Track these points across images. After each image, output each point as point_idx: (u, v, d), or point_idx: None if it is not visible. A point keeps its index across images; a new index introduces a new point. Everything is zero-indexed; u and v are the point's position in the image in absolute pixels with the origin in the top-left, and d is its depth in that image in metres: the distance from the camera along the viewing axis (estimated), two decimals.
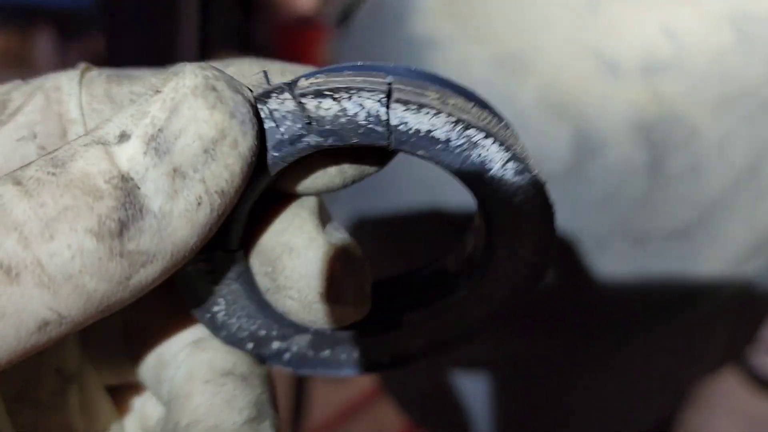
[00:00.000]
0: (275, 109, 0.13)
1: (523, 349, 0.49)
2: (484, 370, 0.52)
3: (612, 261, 0.42)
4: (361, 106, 0.13)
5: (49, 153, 0.12)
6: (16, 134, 0.15)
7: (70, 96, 0.15)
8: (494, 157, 0.14)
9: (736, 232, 0.45)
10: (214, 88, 0.12)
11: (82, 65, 0.16)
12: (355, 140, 0.14)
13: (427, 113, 0.14)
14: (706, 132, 0.41)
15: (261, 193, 0.15)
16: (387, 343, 0.18)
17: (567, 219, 0.40)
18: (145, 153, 0.12)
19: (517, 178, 0.15)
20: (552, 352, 0.49)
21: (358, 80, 0.14)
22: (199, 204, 0.12)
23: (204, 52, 1.78)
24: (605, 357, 0.50)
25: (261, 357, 0.17)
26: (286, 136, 0.14)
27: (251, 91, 0.13)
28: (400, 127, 0.14)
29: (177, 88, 0.12)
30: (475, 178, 0.15)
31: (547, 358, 0.50)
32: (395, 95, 0.13)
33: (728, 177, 0.43)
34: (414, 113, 0.14)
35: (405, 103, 0.13)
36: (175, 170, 0.12)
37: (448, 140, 0.14)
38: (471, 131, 0.14)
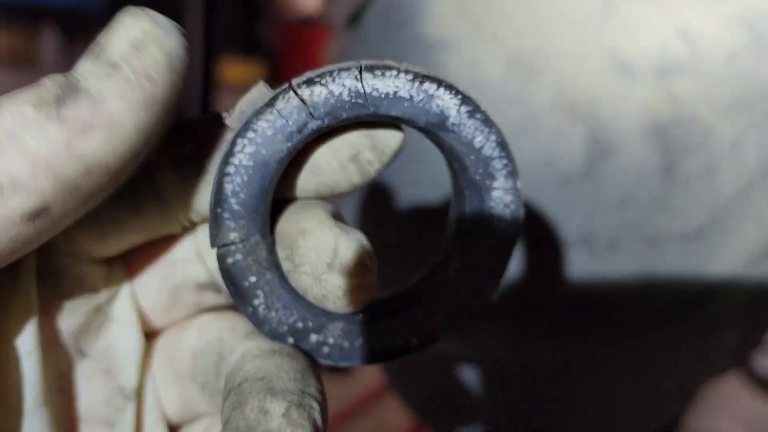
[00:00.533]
0: (282, 108, 0.16)
1: (531, 349, 0.49)
2: (491, 370, 0.52)
3: (624, 262, 0.42)
4: (343, 85, 0.16)
5: None
6: None
7: None
8: (449, 104, 0.17)
9: (748, 233, 0.45)
10: (140, 9, 0.15)
11: None
12: (345, 116, 0.17)
13: (390, 76, 0.17)
14: (720, 134, 0.41)
15: (280, 189, 0.18)
16: (412, 325, 0.19)
17: (580, 220, 0.40)
18: (86, 61, 0.14)
19: (471, 120, 0.17)
20: (560, 352, 0.49)
21: (336, 66, 0.17)
22: (129, 84, 0.14)
23: (208, 52, 1.78)
24: (613, 358, 0.50)
25: (302, 351, 0.18)
26: (294, 127, 0.16)
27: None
28: (374, 94, 0.16)
29: (113, 21, 0.15)
30: (440, 128, 0.17)
31: (555, 359, 0.50)
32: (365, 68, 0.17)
33: (741, 178, 0.43)
34: (380, 79, 0.16)
35: (371, 70, 0.16)
36: (109, 63, 0.14)
37: (411, 97, 0.17)
38: (426, 84, 0.17)
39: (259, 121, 0.16)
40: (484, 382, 0.53)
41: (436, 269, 0.20)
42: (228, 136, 0.18)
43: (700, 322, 0.47)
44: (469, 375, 0.53)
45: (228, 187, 0.17)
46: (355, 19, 0.54)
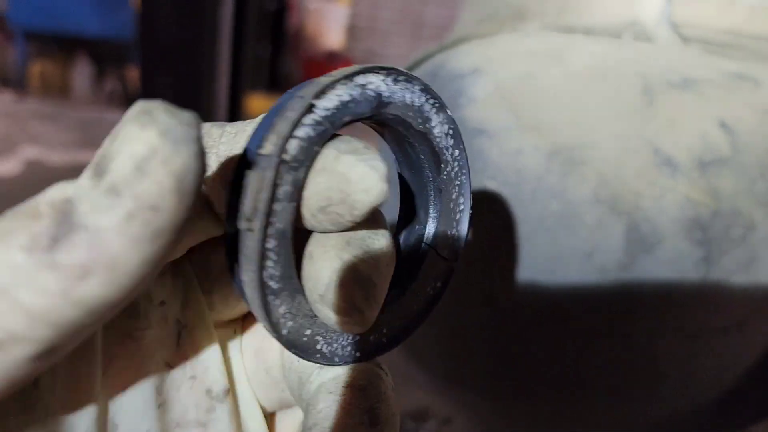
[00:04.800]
0: (277, 181, 0.16)
1: None
2: None
3: (659, 356, 0.41)
4: (304, 125, 0.17)
5: None
6: None
7: None
8: (377, 83, 0.18)
9: None
10: (148, 112, 0.13)
11: None
12: (316, 148, 0.17)
13: (331, 91, 0.17)
14: (762, 226, 0.40)
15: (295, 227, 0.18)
16: (380, 325, 0.19)
17: (620, 312, 0.40)
18: (89, 177, 0.13)
19: (398, 85, 0.18)
20: None
21: (292, 114, 0.17)
22: (131, 218, 0.12)
23: (235, 85, 1.82)
24: None
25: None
26: (291, 188, 0.17)
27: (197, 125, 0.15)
28: (327, 114, 0.17)
29: (122, 119, 0.13)
30: (382, 106, 0.18)
31: None
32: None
33: None
34: (326, 98, 0.17)
35: (318, 97, 0.17)
36: (110, 188, 0.12)
37: (352, 97, 0.17)
38: (357, 78, 0.17)
39: (272, 209, 0.16)
40: None
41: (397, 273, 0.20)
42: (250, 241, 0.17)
43: (735, 413, 0.46)
44: None
45: (265, 275, 0.17)
46: None
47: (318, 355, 0.18)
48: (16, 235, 0.12)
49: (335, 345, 0.18)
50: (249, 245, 0.16)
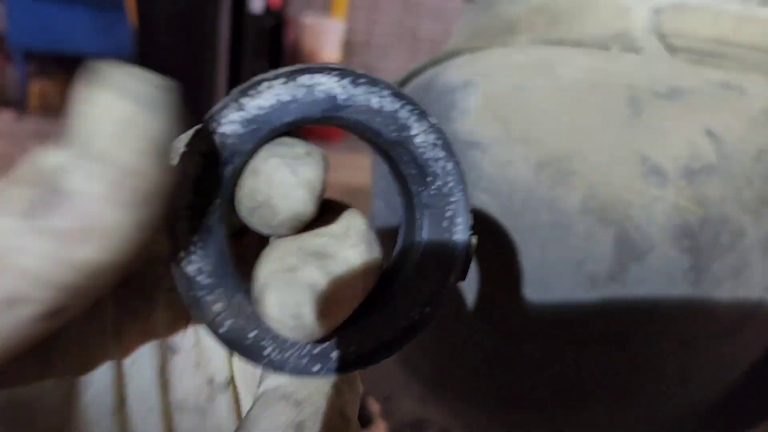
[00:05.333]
0: (198, 174, 0.16)
1: None
2: None
3: (657, 361, 0.42)
4: (231, 122, 0.16)
5: None
6: None
7: None
8: (330, 84, 0.16)
9: None
10: (120, 81, 0.13)
11: None
12: (249, 146, 0.16)
13: (265, 89, 0.16)
14: (750, 233, 0.41)
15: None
16: (347, 342, 0.18)
17: (612, 321, 0.40)
18: (65, 152, 0.13)
19: (359, 88, 0.17)
20: None
21: (216, 108, 0.16)
22: (115, 185, 0.13)
23: None
24: None
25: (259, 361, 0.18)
26: (216, 183, 0.16)
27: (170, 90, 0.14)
28: (260, 113, 0.16)
29: (86, 83, 0.14)
30: (336, 110, 0.17)
31: None
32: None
33: None
34: (259, 96, 0.16)
35: (246, 93, 0.16)
36: (92, 159, 0.13)
37: (294, 98, 0.16)
38: (300, 78, 0.16)
39: (190, 202, 0.16)
40: None
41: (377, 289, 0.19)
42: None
43: (733, 418, 0.46)
44: None
45: (191, 270, 0.16)
46: None
47: (266, 361, 0.17)
48: (9, 201, 0.13)
49: (288, 353, 0.17)
50: (169, 237, 0.16)
